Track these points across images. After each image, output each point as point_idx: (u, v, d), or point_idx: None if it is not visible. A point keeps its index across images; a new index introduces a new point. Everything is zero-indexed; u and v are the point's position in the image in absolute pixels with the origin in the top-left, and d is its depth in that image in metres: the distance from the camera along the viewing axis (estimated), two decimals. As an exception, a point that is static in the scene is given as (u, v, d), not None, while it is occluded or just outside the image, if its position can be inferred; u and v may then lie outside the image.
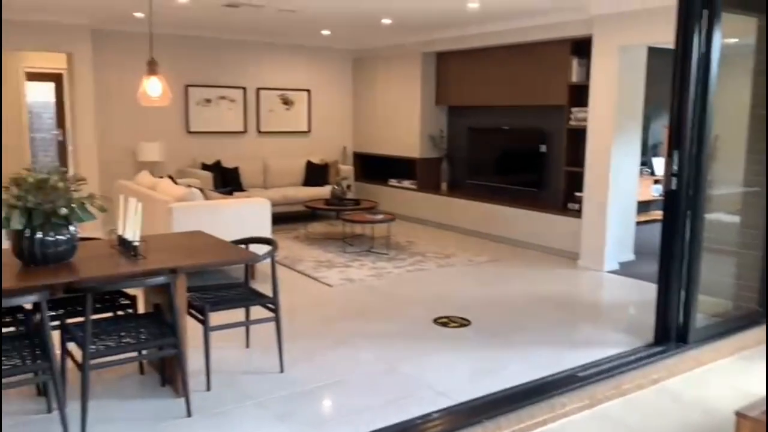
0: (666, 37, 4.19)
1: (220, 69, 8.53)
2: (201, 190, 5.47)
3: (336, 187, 7.49)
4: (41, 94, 10.26)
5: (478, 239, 7.61)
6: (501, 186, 7.93)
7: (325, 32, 8.26)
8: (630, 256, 6.58)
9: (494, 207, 7.53)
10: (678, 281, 4.09)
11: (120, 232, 3.37)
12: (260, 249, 3.71)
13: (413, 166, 8.82)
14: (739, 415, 2.61)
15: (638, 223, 6.73)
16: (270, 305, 3.68)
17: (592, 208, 6.26)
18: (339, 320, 4.60)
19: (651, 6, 5.44)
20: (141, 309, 3.60)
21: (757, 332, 4.38)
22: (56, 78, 9.59)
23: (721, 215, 4.76)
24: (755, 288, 4.53)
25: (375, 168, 9.65)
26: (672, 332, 4.12)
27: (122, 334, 3.06)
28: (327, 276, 5.77)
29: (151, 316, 3.35)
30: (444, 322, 4.60)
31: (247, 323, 3.80)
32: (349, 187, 7.61)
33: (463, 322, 4.59)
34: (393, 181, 9.12)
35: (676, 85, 3.95)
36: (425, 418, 3.10)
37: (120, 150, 7.92)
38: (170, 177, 6.23)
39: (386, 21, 7.26)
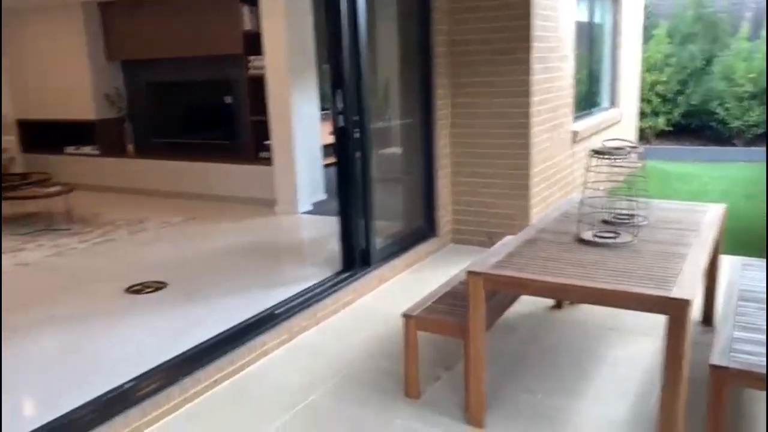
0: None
1: None
2: None
3: (-7, 161, 6.45)
4: None
5: (172, 200, 7.30)
6: (190, 142, 7.66)
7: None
8: (322, 196, 6.95)
9: (186, 164, 7.26)
10: (356, 211, 4.43)
11: None
12: None
13: (92, 129, 8.01)
14: (405, 316, 2.95)
15: (327, 165, 7.10)
16: None
17: (281, 155, 6.42)
18: (10, 313, 4.02)
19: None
20: None
21: (424, 246, 5.01)
22: None
23: (393, 148, 5.27)
24: (419, 209, 5.15)
25: (46, 136, 8.52)
26: (356, 258, 4.48)
27: None
28: (-7, 264, 4.99)
29: None
30: (137, 289, 4.34)
31: None
32: (12, 159, 6.60)
33: (159, 286, 4.38)
34: (70, 149, 8.18)
35: (330, 25, 4.16)
36: (117, 390, 2.89)
37: None
38: None
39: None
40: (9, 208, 6.40)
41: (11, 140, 7.84)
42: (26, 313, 3.96)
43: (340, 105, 4.26)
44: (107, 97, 7.90)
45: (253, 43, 6.67)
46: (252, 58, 6.74)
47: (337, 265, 4.54)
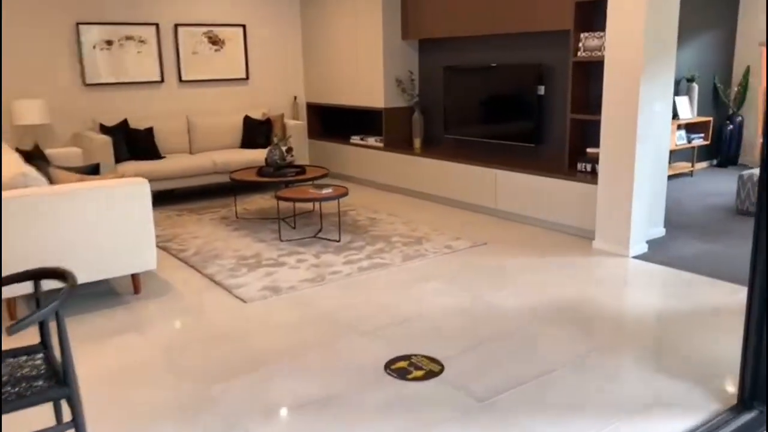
0: None
1: (124, 1, 6.61)
2: (39, 169, 3.71)
3: (272, 150, 5.73)
4: None
5: (459, 211, 5.94)
6: (488, 141, 6.21)
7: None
8: (660, 231, 4.96)
9: (478, 169, 5.81)
10: (782, 304, 2.46)
11: None
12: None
13: (379, 119, 7.05)
14: None
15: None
16: (66, 398, 2.00)
17: (612, 169, 4.58)
18: (238, 374, 2.95)
19: None
20: None
21: None
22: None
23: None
24: None
25: (334, 123, 7.88)
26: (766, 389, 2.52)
27: None
28: (245, 283, 4.10)
29: None
30: (402, 368, 2.97)
31: None
32: (289, 150, 5.84)
33: (432, 368, 2.96)
34: (355, 139, 7.36)
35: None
36: None
37: (-10, 111, 6.07)
38: (21, 149, 4.44)
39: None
40: (283, 204, 5.66)
41: (300, 126, 7.23)
42: (251, 381, 2.83)
43: (783, 115, 2.31)
44: (398, 82, 6.83)
45: (588, 15, 4.90)
46: (584, 35, 4.96)
47: (728, 394, 2.62)
